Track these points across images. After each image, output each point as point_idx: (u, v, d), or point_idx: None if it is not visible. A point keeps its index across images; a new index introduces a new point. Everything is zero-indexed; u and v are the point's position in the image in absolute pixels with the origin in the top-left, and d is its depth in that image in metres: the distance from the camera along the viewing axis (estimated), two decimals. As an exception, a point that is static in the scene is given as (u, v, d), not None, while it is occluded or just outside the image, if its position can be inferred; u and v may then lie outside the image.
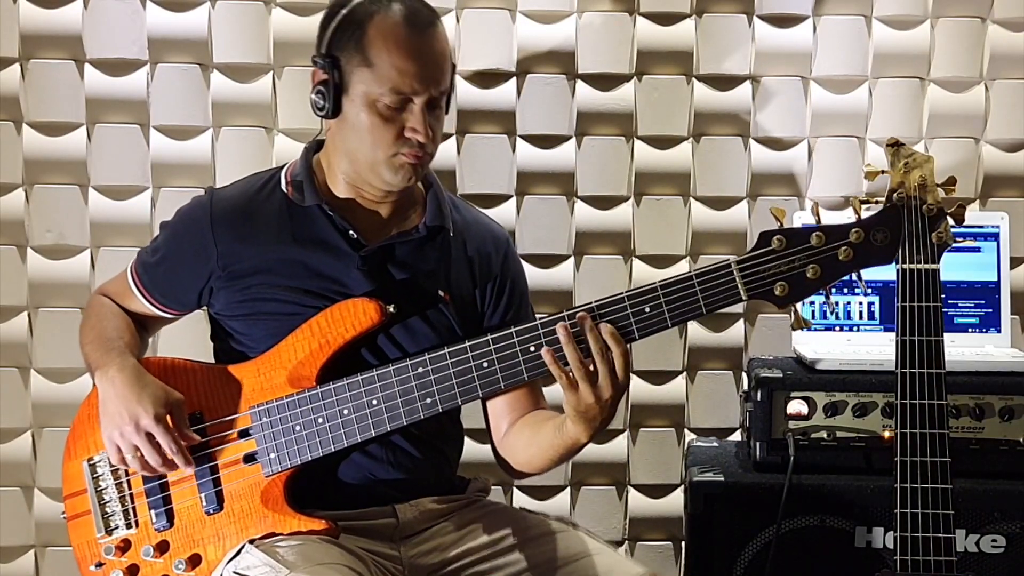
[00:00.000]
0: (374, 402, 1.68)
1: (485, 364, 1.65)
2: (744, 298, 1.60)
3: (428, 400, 1.67)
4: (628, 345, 1.60)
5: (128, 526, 1.75)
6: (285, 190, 1.78)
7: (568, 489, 2.59)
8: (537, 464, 1.79)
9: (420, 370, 1.67)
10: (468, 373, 1.65)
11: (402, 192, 1.79)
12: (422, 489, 1.79)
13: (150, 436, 1.68)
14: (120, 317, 1.87)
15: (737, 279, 1.60)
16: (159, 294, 1.85)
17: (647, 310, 1.61)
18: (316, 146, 1.83)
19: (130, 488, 1.76)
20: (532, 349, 1.63)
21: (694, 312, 1.61)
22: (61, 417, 2.45)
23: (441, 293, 1.78)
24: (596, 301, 1.62)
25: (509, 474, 1.86)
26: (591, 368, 1.59)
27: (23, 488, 2.53)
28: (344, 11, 1.71)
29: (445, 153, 2.49)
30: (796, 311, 1.63)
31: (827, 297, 1.63)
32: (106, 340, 1.80)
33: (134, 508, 1.76)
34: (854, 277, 1.63)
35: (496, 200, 2.52)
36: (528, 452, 1.78)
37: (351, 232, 1.74)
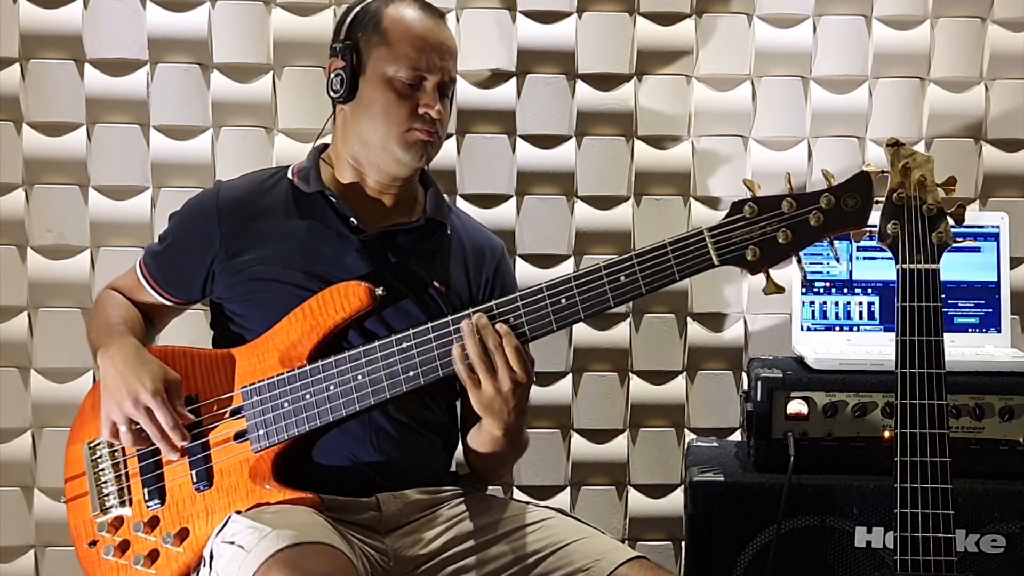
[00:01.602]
0: (359, 377, 1.72)
1: None
2: (716, 263, 1.64)
3: (411, 373, 1.71)
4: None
5: (123, 504, 1.79)
6: (291, 178, 1.87)
7: (568, 489, 2.59)
8: (477, 465, 1.86)
9: (404, 345, 1.71)
10: (448, 345, 1.69)
11: (404, 183, 1.86)
12: (405, 476, 1.80)
13: (148, 410, 1.71)
14: (126, 307, 1.92)
15: (709, 245, 1.64)
16: (165, 282, 1.91)
17: (622, 279, 1.66)
18: (322, 148, 1.93)
19: (126, 467, 1.80)
20: (511, 320, 1.68)
21: (667, 278, 1.66)
22: (61, 417, 2.45)
23: (436, 284, 1.84)
24: (573, 272, 1.69)
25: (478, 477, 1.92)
26: (492, 363, 1.65)
27: (23, 488, 2.53)
28: (361, 5, 1.84)
29: (445, 153, 2.48)
30: (769, 276, 1.66)
31: (799, 262, 1.67)
32: (110, 326, 1.86)
33: (128, 487, 1.79)
34: (826, 244, 1.66)
35: (496, 200, 2.52)
36: (470, 456, 1.87)
37: (352, 219, 1.81)
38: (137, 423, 1.72)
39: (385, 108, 1.79)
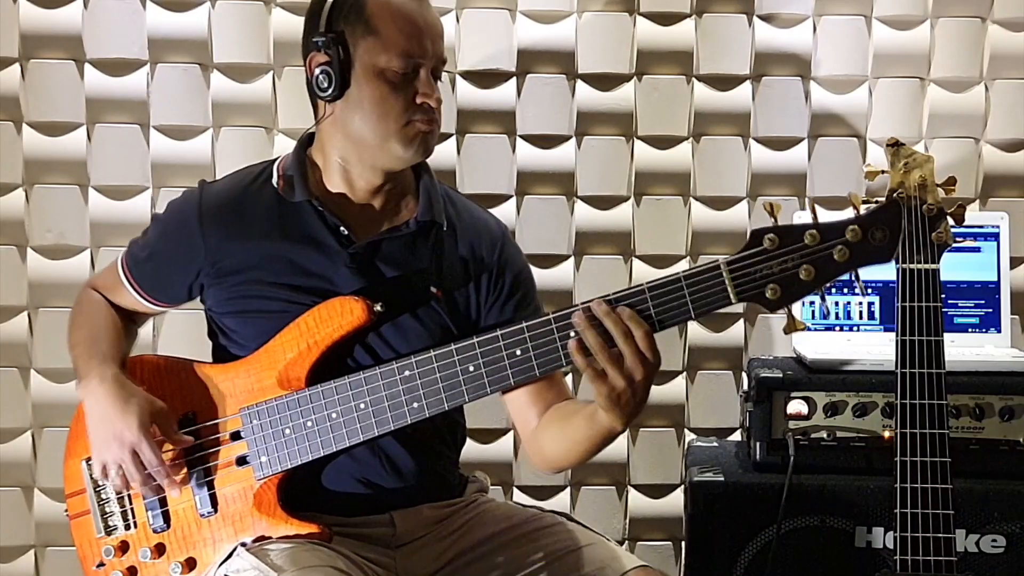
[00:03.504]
0: (361, 406, 1.65)
1: (471, 368, 1.62)
2: (734, 301, 1.54)
3: (415, 405, 1.64)
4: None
5: (127, 527, 1.75)
6: (276, 185, 1.76)
7: (568, 489, 2.59)
8: (572, 458, 1.72)
9: (407, 373, 1.64)
10: (454, 377, 1.62)
11: (395, 182, 1.76)
12: (419, 495, 1.76)
13: (135, 453, 1.67)
14: (107, 315, 1.85)
15: (727, 281, 1.53)
16: (149, 288, 1.84)
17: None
18: (308, 139, 1.81)
19: (128, 488, 1.75)
20: (518, 353, 1.59)
21: (682, 315, 1.55)
22: (61, 417, 2.45)
23: (433, 290, 1.74)
24: (582, 304, 1.58)
25: (542, 469, 1.80)
26: (616, 352, 1.53)
27: (23, 488, 2.53)
28: None
29: (445, 153, 2.49)
30: (790, 314, 1.58)
31: (822, 299, 1.58)
32: (91, 343, 1.79)
33: (132, 509, 1.76)
34: (851, 277, 1.56)
35: (496, 200, 2.52)
36: (560, 447, 1.72)
37: (342, 228, 1.72)
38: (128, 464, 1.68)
39: (380, 102, 1.66)
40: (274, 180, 1.77)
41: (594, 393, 1.56)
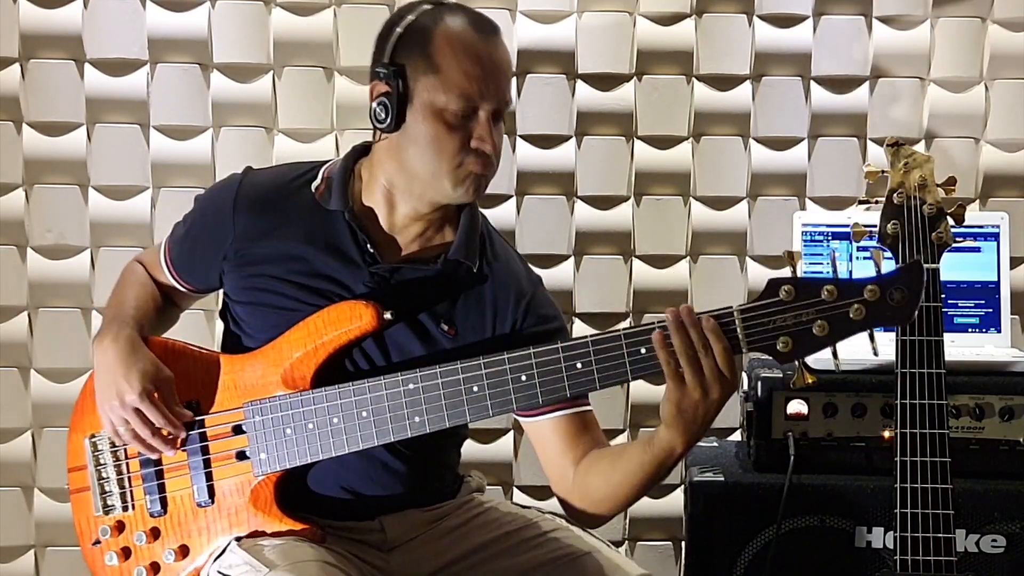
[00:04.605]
0: (364, 414, 1.65)
1: (475, 388, 1.60)
2: (744, 350, 1.51)
3: (416, 419, 1.63)
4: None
5: (124, 508, 1.77)
6: (317, 188, 1.74)
7: (568, 489, 2.59)
8: (623, 495, 1.68)
9: (410, 387, 1.63)
10: (457, 396, 1.61)
11: (442, 211, 1.73)
12: (406, 501, 1.76)
13: (137, 411, 1.67)
14: (144, 286, 1.86)
15: (739, 329, 1.51)
16: (183, 269, 1.84)
17: (643, 351, 1.54)
18: (363, 150, 1.79)
19: (128, 470, 1.77)
20: (523, 379, 1.58)
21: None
22: (61, 417, 2.44)
23: (445, 327, 1.71)
24: (591, 335, 1.56)
25: (584, 523, 1.76)
26: (699, 362, 1.49)
27: (23, 488, 2.53)
28: (409, 17, 1.66)
29: (445, 153, 2.49)
30: (801, 366, 1.55)
31: (835, 355, 1.54)
32: (118, 307, 1.80)
33: (131, 491, 1.77)
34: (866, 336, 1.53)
35: (496, 200, 2.52)
36: (610, 483, 1.67)
37: (368, 246, 1.70)
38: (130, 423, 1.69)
39: (435, 141, 1.62)
40: (315, 183, 1.75)
41: (665, 399, 1.53)
